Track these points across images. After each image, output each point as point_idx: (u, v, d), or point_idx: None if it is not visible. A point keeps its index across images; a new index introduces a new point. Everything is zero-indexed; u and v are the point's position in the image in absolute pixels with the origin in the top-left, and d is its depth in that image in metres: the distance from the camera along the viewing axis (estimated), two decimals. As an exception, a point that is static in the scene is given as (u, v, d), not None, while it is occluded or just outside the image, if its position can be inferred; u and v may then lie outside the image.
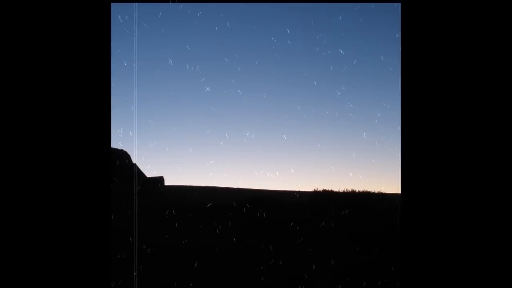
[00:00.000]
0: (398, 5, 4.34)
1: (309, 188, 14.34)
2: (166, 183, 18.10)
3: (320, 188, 13.95)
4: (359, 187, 13.95)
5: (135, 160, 18.83)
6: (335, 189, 13.76)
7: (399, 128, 4.18)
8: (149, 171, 18.89)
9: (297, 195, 13.62)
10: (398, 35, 4.27)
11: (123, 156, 18.56)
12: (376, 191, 13.52)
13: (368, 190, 13.52)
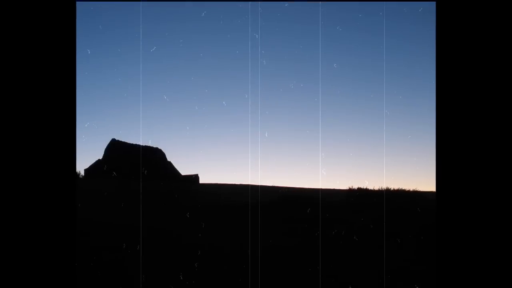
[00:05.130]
0: (433, 4, 4.29)
1: (344, 186, 14.29)
2: (201, 181, 18.36)
3: (355, 186, 13.88)
4: (394, 185, 13.81)
5: (170, 158, 19.18)
6: (370, 187, 13.67)
7: (434, 126, 4.15)
8: (184, 169, 19.19)
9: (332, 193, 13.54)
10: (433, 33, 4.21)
11: (158, 154, 18.88)
12: (411, 189, 13.35)
13: (403, 188, 13.36)
